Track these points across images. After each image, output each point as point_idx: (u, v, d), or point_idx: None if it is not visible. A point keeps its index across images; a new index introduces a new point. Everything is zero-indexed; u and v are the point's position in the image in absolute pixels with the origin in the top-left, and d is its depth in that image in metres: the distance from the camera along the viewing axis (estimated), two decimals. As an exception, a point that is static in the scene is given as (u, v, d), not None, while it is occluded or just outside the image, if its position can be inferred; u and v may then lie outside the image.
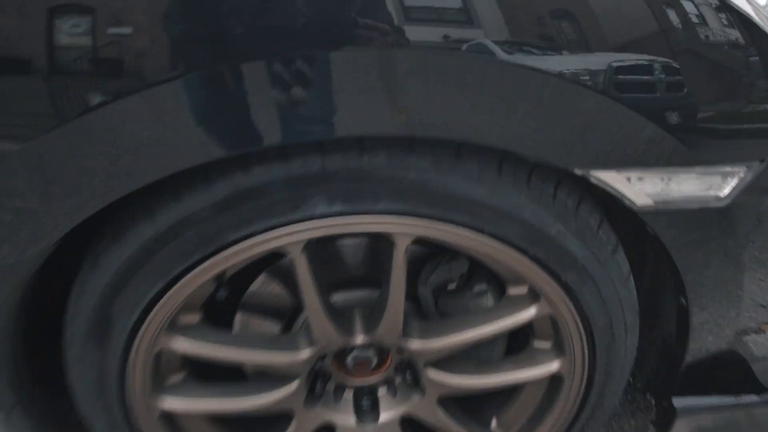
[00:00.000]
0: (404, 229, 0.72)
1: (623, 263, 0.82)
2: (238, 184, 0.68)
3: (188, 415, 0.92)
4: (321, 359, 0.93)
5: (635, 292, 0.85)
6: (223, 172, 0.68)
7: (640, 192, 0.73)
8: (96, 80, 0.60)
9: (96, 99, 0.59)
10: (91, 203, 0.65)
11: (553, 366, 0.90)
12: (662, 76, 0.67)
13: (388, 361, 0.96)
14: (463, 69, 0.63)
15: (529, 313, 0.83)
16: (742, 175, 0.74)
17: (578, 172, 0.70)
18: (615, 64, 0.65)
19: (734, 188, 0.75)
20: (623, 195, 0.73)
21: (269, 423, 1.00)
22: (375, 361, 0.94)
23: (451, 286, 0.91)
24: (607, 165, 0.70)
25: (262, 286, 0.92)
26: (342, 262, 0.92)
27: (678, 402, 1.00)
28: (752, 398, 1.01)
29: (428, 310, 0.92)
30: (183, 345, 0.82)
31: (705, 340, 0.93)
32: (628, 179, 0.72)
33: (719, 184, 0.75)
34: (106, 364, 0.81)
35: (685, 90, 0.69)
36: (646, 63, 0.67)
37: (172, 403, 0.88)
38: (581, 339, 0.85)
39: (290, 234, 0.71)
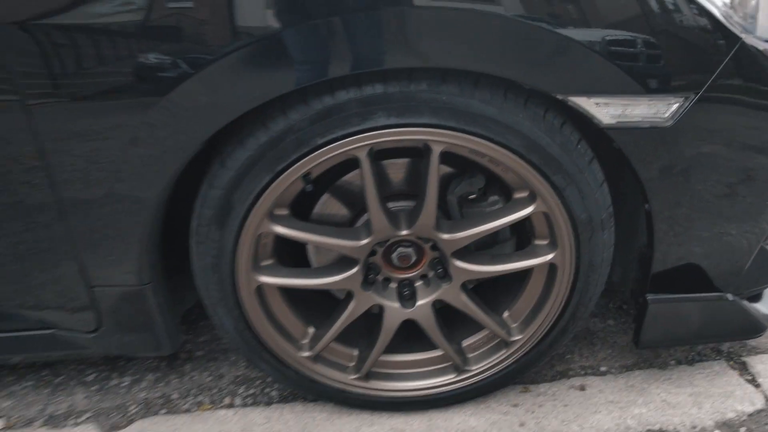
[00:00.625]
0: (438, 138, 1.04)
1: (598, 172, 1.11)
2: (326, 103, 1.01)
3: (273, 292, 1.25)
4: (373, 254, 1.24)
5: (609, 197, 1.14)
6: (316, 95, 1.01)
7: (605, 114, 1.03)
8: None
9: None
10: (236, 110, 0.97)
11: (549, 257, 1.20)
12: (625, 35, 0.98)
13: (424, 259, 1.27)
14: (478, 23, 0.94)
15: (529, 209, 1.14)
16: (681, 102, 1.04)
17: (559, 96, 1.01)
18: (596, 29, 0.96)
19: (675, 112, 1.04)
20: (593, 115, 1.03)
21: (333, 308, 1.32)
22: (414, 258, 1.26)
23: (472, 197, 1.21)
24: (579, 92, 1.01)
25: (344, 183, 1.23)
26: (392, 179, 1.24)
27: (650, 297, 1.28)
28: (707, 295, 1.28)
29: (454, 214, 1.22)
30: (278, 229, 1.14)
31: (668, 243, 1.21)
32: (597, 104, 1.02)
33: (664, 110, 1.04)
34: (223, 243, 1.14)
35: (639, 40, 0.99)
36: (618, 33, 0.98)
37: (266, 279, 1.20)
38: (568, 233, 1.15)
39: (359, 141, 1.03)
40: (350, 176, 1.24)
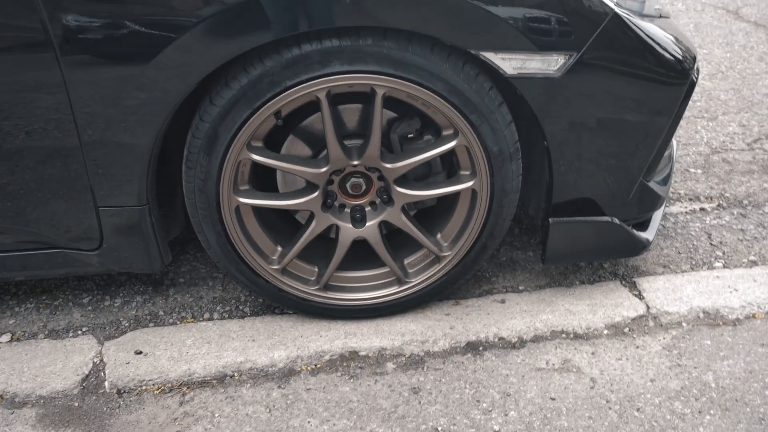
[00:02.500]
0: (381, 83, 1.34)
1: (506, 114, 1.43)
2: (294, 53, 1.29)
3: (249, 213, 1.52)
4: (331, 183, 1.53)
5: (516, 134, 1.46)
6: (287, 46, 1.29)
7: (509, 66, 1.35)
8: None
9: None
10: (225, 54, 1.25)
11: (470, 183, 1.51)
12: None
13: (372, 188, 1.57)
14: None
15: (453, 143, 1.45)
16: (566, 59, 1.36)
17: (473, 51, 1.32)
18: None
19: (561, 67, 1.36)
20: (499, 67, 1.34)
21: (296, 228, 1.61)
22: (364, 187, 1.55)
23: (410, 136, 1.52)
24: (488, 49, 1.32)
25: (306, 125, 1.52)
26: (346, 122, 1.53)
27: (551, 220, 1.61)
28: (597, 218, 1.62)
29: (396, 149, 1.52)
30: (255, 157, 1.42)
31: (562, 175, 1.53)
32: (502, 59, 1.34)
33: (554, 65, 1.36)
34: (210, 168, 1.41)
35: (534, 10, 1.30)
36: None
37: (244, 200, 1.48)
38: (484, 162, 1.47)
39: (320, 84, 1.32)
40: (310, 120, 1.53)
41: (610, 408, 1.47)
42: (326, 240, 1.67)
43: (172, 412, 1.47)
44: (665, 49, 1.44)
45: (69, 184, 1.41)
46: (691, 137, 2.73)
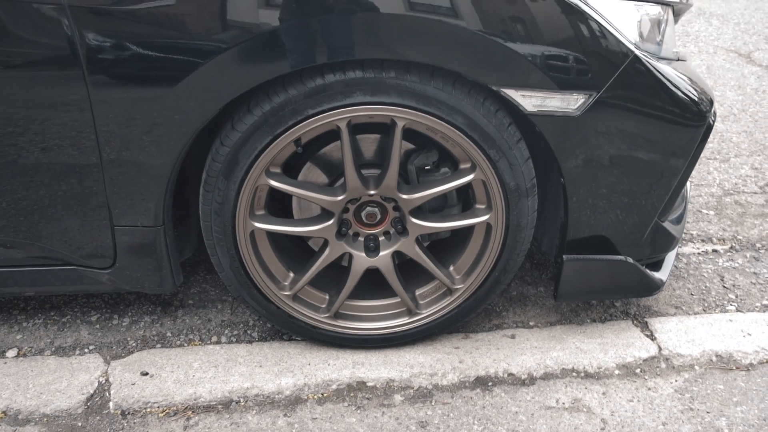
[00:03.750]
0: (401, 115, 1.35)
1: (524, 150, 1.44)
2: (318, 83, 1.31)
3: (263, 238, 1.53)
4: (346, 212, 1.54)
5: (533, 171, 1.47)
6: (311, 76, 1.31)
7: (528, 103, 1.36)
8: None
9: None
10: (248, 82, 1.27)
11: (486, 217, 1.51)
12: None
13: (387, 218, 1.57)
14: (429, 29, 1.26)
15: (470, 177, 1.45)
16: (585, 98, 1.37)
17: (494, 87, 1.33)
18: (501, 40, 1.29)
19: (581, 106, 1.37)
20: (519, 104, 1.35)
21: (309, 254, 1.61)
22: (378, 217, 1.56)
23: (428, 167, 1.52)
24: (509, 86, 1.33)
25: (324, 153, 1.53)
26: (364, 152, 1.54)
27: (566, 257, 1.60)
28: (611, 257, 1.61)
29: (413, 180, 1.53)
30: (273, 183, 1.43)
31: (578, 212, 1.53)
32: (522, 96, 1.35)
33: (574, 103, 1.37)
34: (227, 192, 1.42)
35: (555, 51, 1.32)
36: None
37: (259, 225, 1.48)
38: (501, 197, 1.47)
39: (341, 114, 1.34)
40: (328, 148, 1.54)
41: (621, 451, 1.45)
42: (338, 268, 1.67)
43: (176, 436, 1.46)
44: (683, 92, 1.45)
45: (85, 201, 1.42)
46: (704, 178, 2.73)
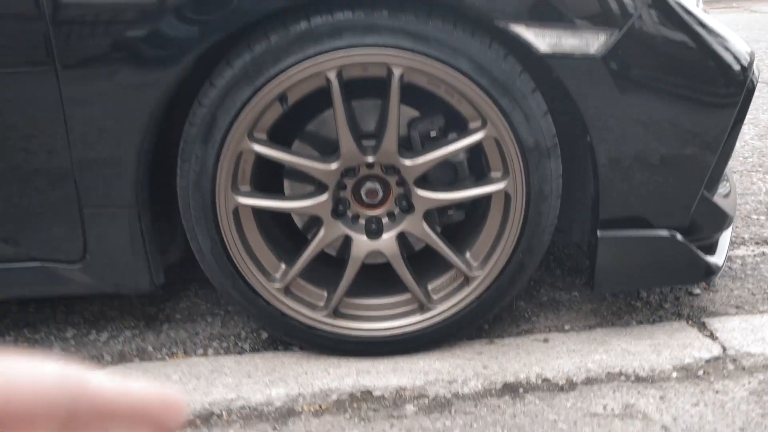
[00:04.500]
0: (398, 60, 1.19)
1: (541, 102, 1.26)
2: (303, 27, 1.17)
3: (250, 220, 1.34)
4: (343, 189, 1.36)
5: (553, 127, 1.28)
6: (295, 20, 1.17)
7: (542, 42, 1.19)
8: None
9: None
10: (224, 29, 1.14)
11: (502, 184, 1.31)
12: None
13: (390, 195, 1.38)
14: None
15: (481, 134, 1.27)
16: (607, 36, 1.20)
17: (501, 24, 1.17)
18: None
19: (602, 45, 1.20)
20: (531, 43, 1.19)
21: (303, 241, 1.41)
22: (380, 195, 1.37)
23: (433, 134, 1.35)
24: (518, 21, 1.17)
25: (314, 128, 1.38)
26: (360, 121, 1.38)
27: (600, 233, 1.37)
28: (655, 232, 1.38)
29: (416, 148, 1.35)
30: (257, 148, 1.26)
31: (610, 179, 1.32)
32: (535, 34, 1.19)
33: (593, 42, 1.20)
34: (206, 159, 1.26)
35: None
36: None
37: (243, 200, 1.30)
38: (518, 158, 1.28)
39: (329, 60, 1.19)
40: (319, 120, 1.38)
41: (691, 460, 1.15)
42: (337, 265, 1.46)
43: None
44: (719, 35, 1.27)
45: (49, 176, 1.27)
46: (748, 188, 2.49)
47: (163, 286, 1.82)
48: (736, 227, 2.12)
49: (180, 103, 1.27)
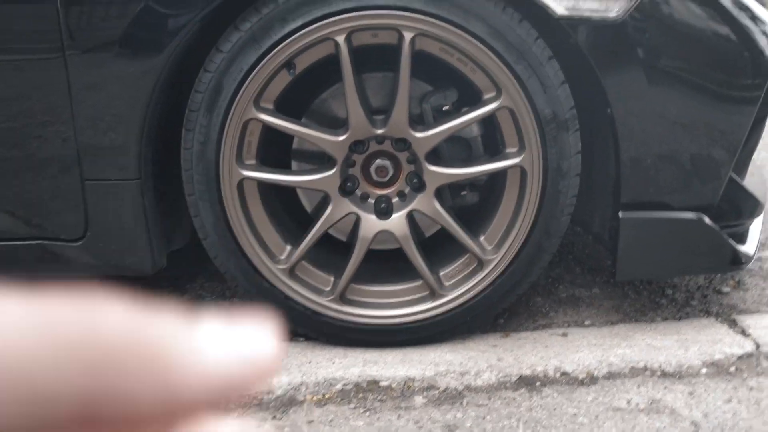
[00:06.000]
0: (409, 23, 1.15)
1: (558, 71, 1.20)
2: (310, -12, 1.14)
3: (255, 198, 1.29)
4: (352, 166, 1.31)
5: (571, 98, 1.22)
6: (301, -18, 1.15)
7: (559, 5, 1.15)
8: None
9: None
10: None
11: (518, 159, 1.25)
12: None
13: (401, 174, 1.33)
14: None
15: (495, 104, 1.21)
16: (626, 1, 1.16)
17: (515, -15, 1.14)
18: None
19: (622, 8, 1.16)
20: (548, 5, 1.15)
21: (308, 222, 1.35)
22: (391, 172, 1.32)
23: (446, 108, 1.30)
24: (534, -17, 1.14)
25: (321, 103, 1.34)
26: (370, 95, 1.34)
27: (622, 215, 1.30)
28: (682, 214, 1.30)
29: (428, 121, 1.30)
30: (263, 117, 1.22)
31: (633, 155, 1.25)
32: (551, -3, 1.15)
33: (612, 5, 1.16)
34: (210, 128, 1.22)
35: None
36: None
37: (249, 173, 1.26)
38: (534, 130, 1.22)
39: (337, 24, 1.15)
40: (327, 94, 1.35)
41: (726, 453, 1.04)
42: (346, 250, 1.40)
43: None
44: (748, 7, 1.22)
45: (51, 146, 1.24)
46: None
47: (170, 278, 1.78)
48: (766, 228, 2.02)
49: (190, 76, 1.24)
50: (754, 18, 1.23)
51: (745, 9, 1.23)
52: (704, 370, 1.29)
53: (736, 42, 1.22)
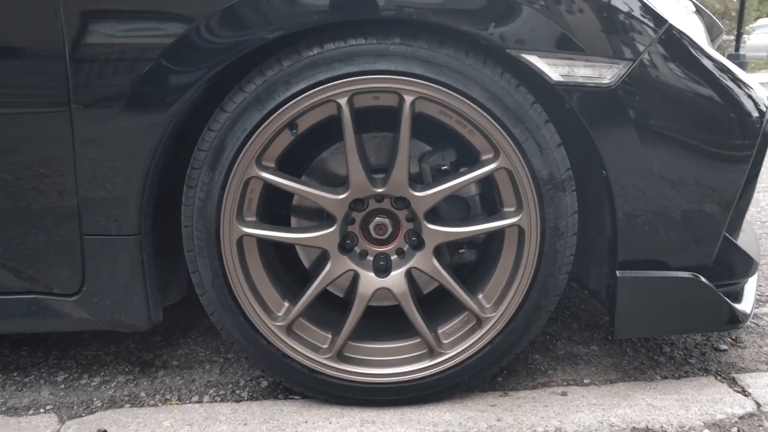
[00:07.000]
0: (409, 86, 1.19)
1: (554, 134, 1.23)
2: (316, 53, 1.18)
3: (254, 254, 1.30)
4: (351, 223, 1.32)
5: (567, 159, 1.25)
6: (308, 47, 1.18)
7: (554, 72, 1.19)
8: None
9: None
10: (236, 51, 1.15)
11: (516, 218, 1.26)
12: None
13: (400, 231, 1.34)
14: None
15: (493, 165, 1.24)
16: (621, 67, 1.20)
17: (512, 52, 1.18)
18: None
19: (615, 75, 1.20)
20: (544, 72, 1.19)
21: (306, 277, 1.35)
22: (390, 230, 1.33)
23: (444, 168, 1.32)
24: (530, 49, 1.18)
25: (321, 163, 1.36)
26: (370, 154, 1.36)
27: (620, 274, 1.31)
28: (678, 274, 1.31)
29: (427, 180, 1.32)
30: (264, 175, 1.24)
31: (628, 215, 1.27)
32: (547, 63, 1.19)
33: (606, 73, 1.20)
34: (212, 186, 1.23)
35: (585, 7, 1.18)
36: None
37: (249, 230, 1.27)
38: (532, 190, 1.24)
39: (340, 87, 1.18)
40: (327, 153, 1.37)
41: None
42: (344, 307, 1.39)
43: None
44: (728, 69, 1.27)
45: (52, 199, 1.24)
46: (767, 250, 2.42)
47: (163, 333, 1.76)
48: (760, 286, 2.03)
49: (193, 135, 1.26)
50: (736, 80, 1.27)
51: (728, 72, 1.27)
52: (706, 431, 1.27)
53: (722, 104, 1.26)
